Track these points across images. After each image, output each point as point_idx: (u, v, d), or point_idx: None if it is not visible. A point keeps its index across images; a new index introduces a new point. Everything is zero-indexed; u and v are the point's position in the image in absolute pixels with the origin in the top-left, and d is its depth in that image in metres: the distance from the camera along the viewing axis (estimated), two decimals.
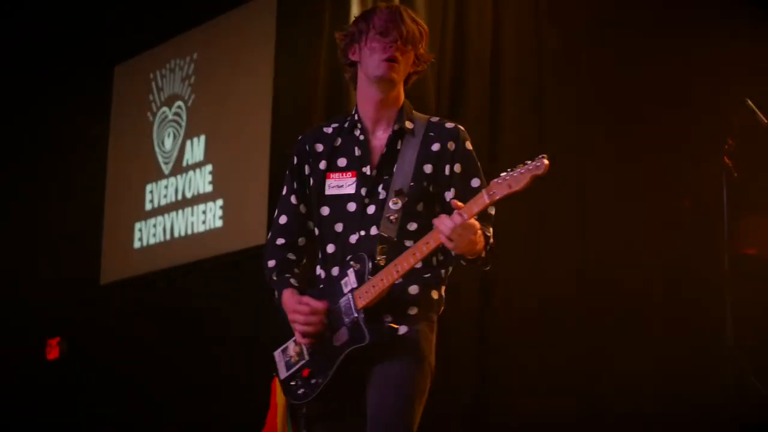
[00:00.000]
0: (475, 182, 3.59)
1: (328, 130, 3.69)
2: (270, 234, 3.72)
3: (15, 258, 9.17)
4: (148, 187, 8.67)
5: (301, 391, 3.54)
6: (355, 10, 6.93)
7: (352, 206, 3.56)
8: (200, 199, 8.14)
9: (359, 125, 3.64)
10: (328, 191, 3.60)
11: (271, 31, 7.80)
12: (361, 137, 3.62)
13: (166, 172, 8.56)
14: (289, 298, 3.52)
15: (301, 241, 3.67)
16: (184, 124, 8.51)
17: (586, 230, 6.06)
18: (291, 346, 3.61)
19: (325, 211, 3.60)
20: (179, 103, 8.61)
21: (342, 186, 3.59)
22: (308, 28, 7.47)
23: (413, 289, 3.52)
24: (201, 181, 8.19)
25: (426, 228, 3.45)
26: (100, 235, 9.04)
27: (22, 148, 9.33)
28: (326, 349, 3.49)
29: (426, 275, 3.55)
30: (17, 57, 9.26)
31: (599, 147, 6.06)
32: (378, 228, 3.51)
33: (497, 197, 3.25)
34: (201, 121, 8.40)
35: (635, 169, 5.87)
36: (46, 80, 9.25)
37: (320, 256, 3.63)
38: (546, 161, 3.19)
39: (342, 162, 3.63)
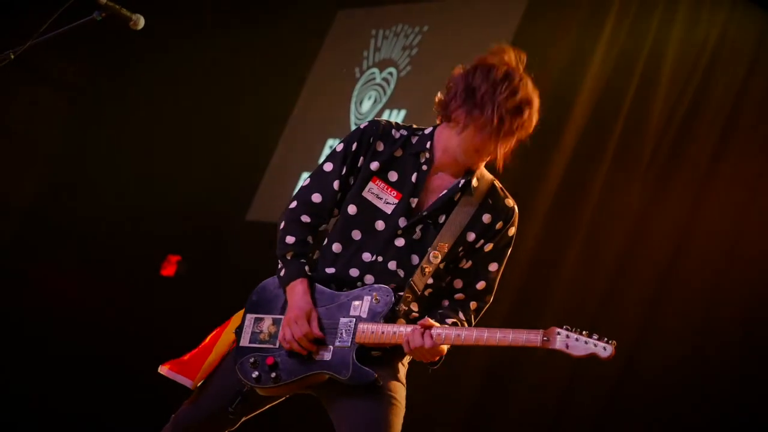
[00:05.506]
0: (493, 267, 3.84)
1: (396, 134, 3.86)
2: (295, 203, 3.86)
3: (174, 165, 9.73)
4: (329, 142, 8.95)
5: (255, 373, 3.77)
6: (608, 30, 7.29)
7: (380, 225, 3.78)
8: None
9: (428, 155, 3.81)
10: (366, 194, 3.80)
11: (511, 28, 8.02)
12: (424, 167, 3.80)
13: None
14: (300, 299, 3.75)
15: (323, 227, 3.87)
16: (389, 91, 8.82)
17: None
18: (267, 323, 3.85)
19: (352, 210, 3.80)
20: (392, 69, 8.92)
21: (381, 198, 3.79)
22: (548, 36, 7.71)
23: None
24: None
25: (438, 290, 3.79)
26: (263, 171, 9.48)
27: (228, 61, 9.89)
28: (303, 355, 3.73)
29: None
30: None
31: None
32: (398, 263, 3.75)
33: (548, 347, 3.46)
34: (408, 94, 8.66)
35: None
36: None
37: (325, 245, 3.85)
38: (614, 350, 3.40)
39: (393, 176, 3.82)
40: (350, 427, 3.75)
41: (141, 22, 4.35)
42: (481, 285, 3.86)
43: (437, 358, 3.69)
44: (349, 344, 3.70)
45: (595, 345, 3.43)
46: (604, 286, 6.90)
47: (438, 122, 3.88)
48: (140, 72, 10.11)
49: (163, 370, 4.02)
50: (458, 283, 3.86)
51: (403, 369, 3.86)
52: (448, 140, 3.81)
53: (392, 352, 3.77)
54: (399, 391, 3.81)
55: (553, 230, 7.17)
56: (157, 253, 9.61)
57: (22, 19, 8.84)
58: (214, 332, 4.05)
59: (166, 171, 9.74)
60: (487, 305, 3.90)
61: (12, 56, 4.31)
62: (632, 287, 6.79)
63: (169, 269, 9.50)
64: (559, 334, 3.46)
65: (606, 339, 3.44)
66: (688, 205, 6.77)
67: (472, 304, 3.85)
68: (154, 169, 9.81)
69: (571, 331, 3.47)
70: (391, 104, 8.76)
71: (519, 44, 7.73)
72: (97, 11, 4.32)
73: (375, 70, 9.06)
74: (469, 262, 3.84)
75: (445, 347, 3.64)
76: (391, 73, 8.94)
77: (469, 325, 3.80)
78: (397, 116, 8.63)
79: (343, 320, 3.73)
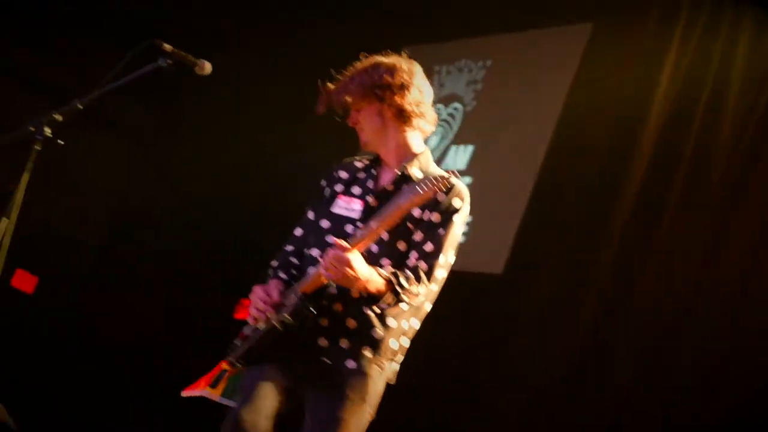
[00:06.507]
0: (441, 231, 4.08)
1: (359, 164, 4.36)
2: (285, 243, 4.37)
3: (237, 200, 9.76)
4: None
5: (233, 348, 4.23)
6: (672, 56, 7.23)
7: (349, 228, 4.11)
8: None
9: (377, 163, 4.30)
10: (334, 209, 4.22)
11: (575, 61, 8.03)
12: (374, 172, 4.27)
13: None
14: (261, 285, 4.18)
15: (306, 251, 4.26)
16: (455, 127, 8.79)
17: None
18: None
19: (325, 224, 4.21)
20: (457, 104, 8.89)
21: (348, 209, 4.19)
22: (612, 70, 7.69)
23: (376, 333, 4.07)
24: None
25: (397, 267, 4.02)
26: None
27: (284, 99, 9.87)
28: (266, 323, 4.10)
29: (386, 321, 4.08)
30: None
31: None
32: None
33: (402, 208, 3.79)
34: (474, 130, 8.65)
35: None
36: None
37: (305, 254, 4.26)
38: (439, 184, 3.71)
39: (356, 190, 4.25)
40: (309, 421, 4.09)
41: (207, 67, 4.42)
42: (429, 246, 4.07)
43: (356, 276, 3.85)
44: (295, 297, 4.03)
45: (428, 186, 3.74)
46: (678, 314, 6.75)
47: None
48: (198, 107, 10.21)
49: (185, 393, 4.46)
50: (412, 254, 4.08)
51: (370, 365, 4.07)
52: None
53: (359, 344, 4.05)
54: (359, 388, 4.05)
55: (626, 257, 7.06)
56: (225, 289, 9.56)
57: (87, 64, 8.96)
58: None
59: (228, 206, 9.85)
60: (437, 268, 4.07)
61: (80, 106, 4.32)
62: (707, 311, 6.65)
63: (242, 313, 9.41)
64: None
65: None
66: (757, 232, 6.63)
67: (421, 264, 4.04)
68: (217, 205, 9.87)
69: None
70: (457, 140, 8.75)
71: (584, 74, 7.78)
72: (163, 58, 4.39)
73: (440, 105, 9.03)
74: (420, 233, 4.09)
75: (350, 259, 3.82)
76: (456, 109, 8.92)
77: (416, 278, 4.00)
78: (464, 151, 8.59)
79: (295, 287, 4.10)
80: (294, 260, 4.29)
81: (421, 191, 3.75)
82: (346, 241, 3.90)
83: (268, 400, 4.08)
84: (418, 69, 4.34)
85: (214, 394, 4.38)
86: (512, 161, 8.16)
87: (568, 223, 7.47)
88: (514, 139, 8.25)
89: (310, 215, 4.33)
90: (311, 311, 3.97)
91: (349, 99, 4.26)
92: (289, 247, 4.35)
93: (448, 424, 7.44)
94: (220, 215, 9.88)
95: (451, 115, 8.89)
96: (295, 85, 9.76)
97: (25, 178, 4.27)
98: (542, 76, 8.27)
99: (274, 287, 4.14)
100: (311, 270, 4.10)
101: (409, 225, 4.08)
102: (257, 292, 4.16)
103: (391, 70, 4.25)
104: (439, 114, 8.70)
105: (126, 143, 10.80)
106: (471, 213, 8.00)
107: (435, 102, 8.76)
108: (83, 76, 9.14)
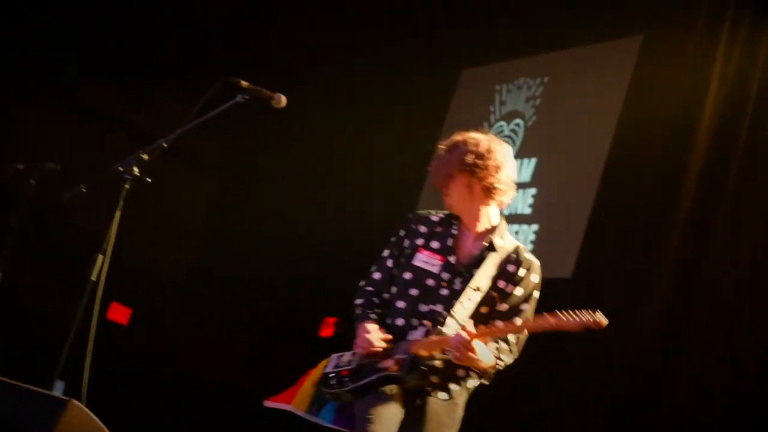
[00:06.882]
0: (525, 306, 4.56)
1: (435, 218, 4.74)
2: (363, 282, 4.77)
3: (315, 232, 10.02)
4: None
5: (333, 381, 4.61)
6: (718, 66, 7.41)
7: (430, 282, 4.58)
8: (515, 219, 8.54)
9: (458, 223, 4.68)
10: (416, 262, 4.62)
11: (627, 72, 8.23)
12: (455, 231, 4.66)
13: None
14: (364, 328, 4.57)
15: (386, 295, 4.70)
16: (518, 142, 9.03)
17: None
18: (347, 356, 4.64)
19: (408, 275, 4.62)
20: (518, 120, 9.14)
21: (428, 263, 4.60)
22: (664, 78, 7.85)
23: (460, 372, 4.54)
24: (521, 202, 8.66)
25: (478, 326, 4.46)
26: None
27: (355, 125, 10.20)
28: (371, 367, 4.51)
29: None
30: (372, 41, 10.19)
31: None
32: (444, 306, 4.49)
33: (534, 327, 4.34)
34: (536, 143, 8.89)
35: None
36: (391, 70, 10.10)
37: (391, 303, 4.68)
38: (604, 321, 4.11)
39: (435, 245, 4.65)
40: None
41: (283, 100, 4.61)
42: (518, 321, 4.55)
43: (478, 359, 4.36)
44: (406, 355, 4.46)
45: (586, 320, 4.14)
46: (729, 318, 6.90)
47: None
48: (275, 144, 10.42)
49: (268, 403, 4.92)
50: (499, 324, 4.54)
51: (457, 396, 4.58)
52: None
53: (446, 380, 4.54)
54: (451, 415, 4.58)
55: (686, 257, 7.20)
56: (311, 316, 9.78)
57: (165, 104, 9.19)
58: (307, 372, 4.86)
59: (308, 238, 10.11)
60: (525, 338, 4.58)
61: (165, 144, 4.55)
62: (758, 321, 6.77)
63: (327, 331, 9.68)
64: (544, 317, 4.28)
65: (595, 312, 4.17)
66: None
67: (512, 337, 4.54)
68: (297, 237, 10.13)
69: (561, 314, 4.21)
70: (521, 154, 8.96)
71: (637, 83, 7.92)
72: (241, 94, 4.61)
73: (503, 122, 9.29)
74: (505, 305, 4.56)
75: (484, 360, 4.37)
76: (518, 124, 9.16)
77: (510, 350, 4.53)
78: (528, 165, 8.87)
79: (402, 344, 4.52)
80: (376, 300, 4.69)
81: (566, 321, 4.19)
82: (447, 302, 4.48)
83: (394, 419, 4.50)
84: (508, 150, 4.70)
85: (299, 410, 4.79)
86: (574, 170, 8.40)
87: (630, 226, 7.62)
88: (574, 149, 8.49)
89: (389, 263, 4.72)
90: (426, 371, 4.45)
91: (445, 168, 4.63)
92: (369, 288, 4.74)
93: (514, 425, 7.70)
94: (300, 246, 10.16)
95: (513, 130, 9.13)
96: (362, 113, 10.06)
97: (117, 215, 4.53)
98: (598, 88, 8.46)
99: (379, 331, 4.56)
100: (404, 326, 4.55)
101: (494, 293, 4.54)
102: (366, 335, 4.52)
103: (489, 151, 4.60)
104: (502, 130, 9.05)
105: (207, 179, 10.97)
106: (539, 221, 8.30)
107: (497, 120, 9.08)
108: (161, 114, 9.38)
